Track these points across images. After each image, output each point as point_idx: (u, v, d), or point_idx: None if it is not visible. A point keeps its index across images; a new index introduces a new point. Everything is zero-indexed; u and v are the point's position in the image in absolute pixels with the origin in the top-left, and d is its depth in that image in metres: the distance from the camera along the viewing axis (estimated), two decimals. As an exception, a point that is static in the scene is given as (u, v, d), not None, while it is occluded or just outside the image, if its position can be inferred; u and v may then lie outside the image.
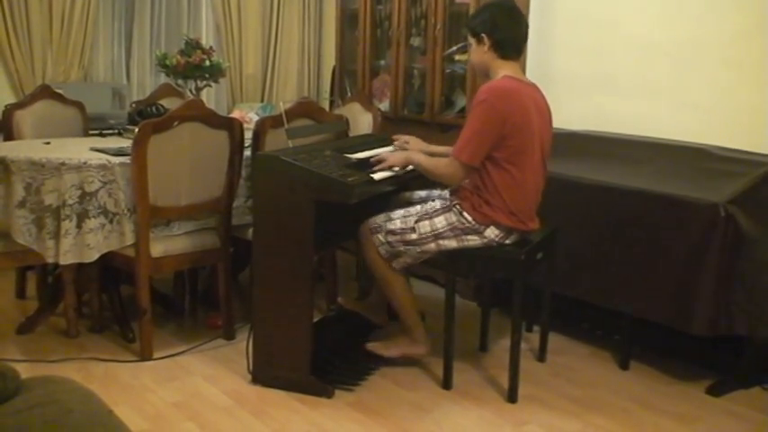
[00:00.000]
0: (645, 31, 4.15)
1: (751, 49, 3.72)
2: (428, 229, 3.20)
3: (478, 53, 3.25)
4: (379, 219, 3.30)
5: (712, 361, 3.54)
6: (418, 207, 3.29)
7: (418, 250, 3.25)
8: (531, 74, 4.50)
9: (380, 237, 3.27)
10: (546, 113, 3.28)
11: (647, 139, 3.96)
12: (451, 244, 3.21)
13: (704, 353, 3.55)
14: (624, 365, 3.60)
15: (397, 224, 3.25)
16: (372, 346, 3.46)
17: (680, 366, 3.61)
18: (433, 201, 3.32)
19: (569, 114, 4.32)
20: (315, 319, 3.29)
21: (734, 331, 3.23)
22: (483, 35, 3.19)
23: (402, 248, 3.25)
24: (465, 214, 3.17)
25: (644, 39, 4.15)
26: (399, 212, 3.30)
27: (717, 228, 3.14)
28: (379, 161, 3.32)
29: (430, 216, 3.22)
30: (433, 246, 3.23)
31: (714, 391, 3.37)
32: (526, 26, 3.28)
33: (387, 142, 3.75)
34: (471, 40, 3.28)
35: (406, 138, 3.75)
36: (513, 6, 3.27)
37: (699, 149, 3.70)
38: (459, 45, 4.53)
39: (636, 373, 3.56)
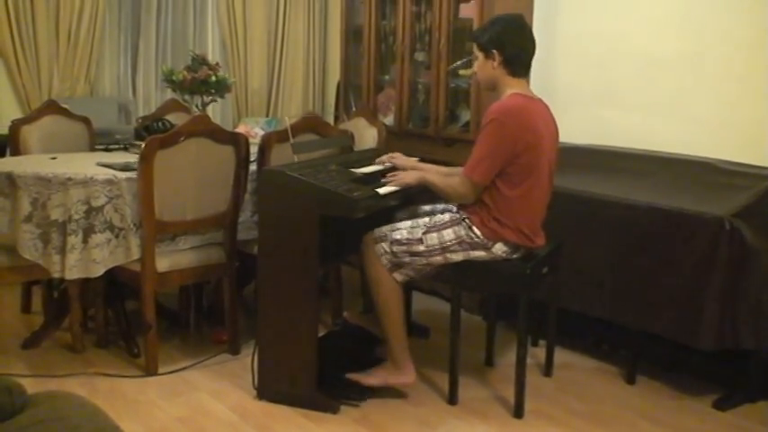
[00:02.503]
0: (648, 44, 4.15)
1: (755, 63, 3.73)
2: (436, 241, 3.19)
3: (487, 68, 3.22)
4: (384, 228, 3.29)
5: (719, 375, 3.52)
6: (426, 219, 3.28)
7: (424, 262, 3.24)
8: (535, 87, 4.46)
9: (385, 246, 3.24)
10: (554, 130, 3.28)
11: (651, 153, 3.96)
12: (458, 257, 3.20)
13: (710, 367, 3.54)
14: (630, 380, 3.59)
15: (403, 234, 3.23)
16: (353, 376, 3.35)
17: (686, 381, 3.59)
18: (442, 213, 3.31)
19: (573, 128, 4.31)
20: (320, 334, 3.28)
21: (740, 345, 3.22)
22: (494, 51, 3.17)
23: (407, 259, 3.24)
24: (474, 229, 3.15)
25: (647, 52, 4.16)
26: (407, 223, 3.28)
27: (722, 241, 3.14)
28: (394, 180, 3.29)
29: (438, 229, 3.21)
30: (440, 258, 3.22)
31: (721, 405, 3.36)
32: (534, 43, 3.25)
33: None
34: (479, 54, 3.24)
35: (392, 154, 3.69)
36: (524, 23, 3.23)
37: (703, 163, 3.70)
38: (463, 60, 4.53)
39: (642, 388, 3.55)
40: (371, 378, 3.34)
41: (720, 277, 3.16)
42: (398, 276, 3.29)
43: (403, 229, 3.25)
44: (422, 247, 3.20)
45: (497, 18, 3.31)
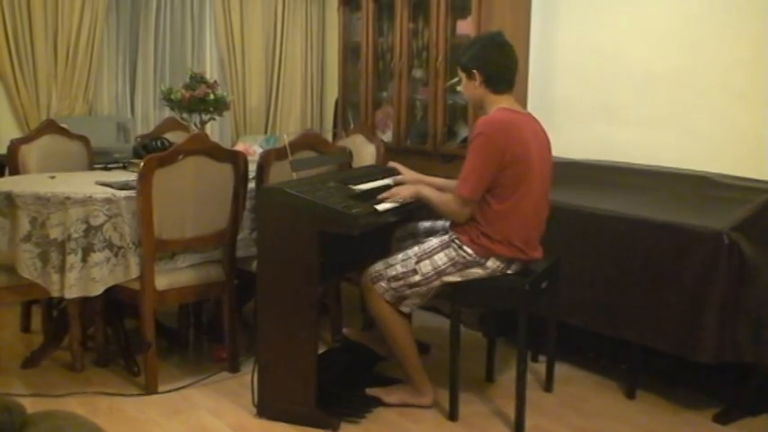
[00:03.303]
0: (646, 59, 4.17)
1: (753, 76, 3.74)
2: (430, 268, 3.19)
3: (470, 88, 3.26)
4: (378, 267, 3.29)
5: (719, 389, 3.52)
6: (416, 248, 3.27)
7: (424, 290, 3.24)
8: (532, 103, 4.54)
9: (383, 284, 3.25)
10: (544, 143, 3.29)
11: (649, 168, 3.97)
12: (455, 278, 3.20)
13: (711, 381, 3.54)
14: (631, 394, 3.58)
15: (398, 269, 3.23)
16: (374, 391, 3.42)
17: (687, 395, 3.59)
18: (431, 239, 3.30)
19: (570, 143, 4.33)
20: (320, 351, 3.28)
21: (740, 359, 3.21)
22: (474, 71, 3.20)
23: (408, 291, 3.25)
24: (465, 248, 3.16)
25: (645, 67, 4.18)
26: (398, 257, 3.28)
27: (721, 255, 3.14)
28: (389, 195, 3.30)
29: (429, 255, 3.21)
30: (437, 283, 3.22)
31: (721, 419, 3.35)
32: (516, 59, 3.27)
33: (391, 173, 3.76)
34: (462, 75, 3.29)
35: (397, 166, 3.74)
36: (503, 40, 3.25)
37: (701, 177, 3.71)
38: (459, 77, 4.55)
39: (643, 402, 3.54)
40: (391, 396, 3.40)
41: (720, 291, 3.16)
42: (405, 309, 3.30)
43: (396, 264, 3.25)
44: (418, 277, 3.21)
45: (476, 38, 3.37)
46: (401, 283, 3.23)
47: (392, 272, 3.24)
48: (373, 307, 3.31)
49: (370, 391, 3.42)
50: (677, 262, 3.29)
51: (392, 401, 3.39)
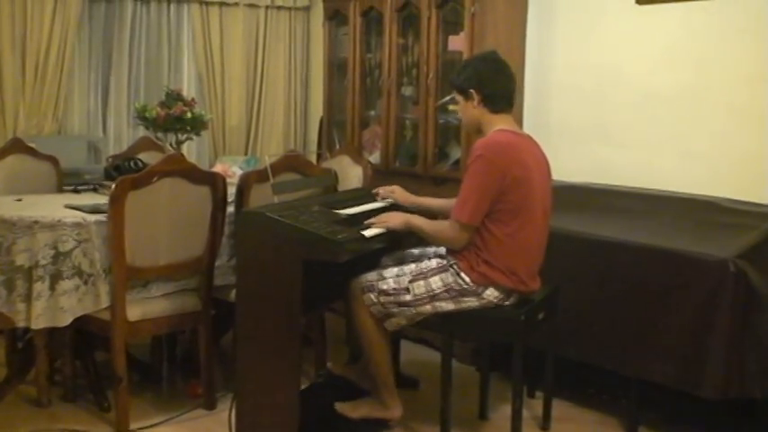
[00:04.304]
0: (646, 77, 4.21)
1: (757, 96, 3.78)
2: (423, 289, 3.21)
3: (468, 109, 3.30)
4: (370, 276, 3.31)
5: (725, 425, 3.52)
6: (412, 266, 3.30)
7: (413, 312, 3.25)
8: (528, 123, 4.57)
9: (372, 296, 3.27)
10: (544, 167, 3.32)
11: (650, 191, 4.00)
12: (448, 306, 3.21)
13: (716, 417, 3.54)
14: (633, 432, 3.59)
15: (390, 284, 3.26)
16: (341, 407, 3.46)
17: (690, 431, 3.60)
18: (429, 259, 3.33)
19: (568, 165, 4.35)
20: (302, 387, 3.27)
21: (747, 394, 3.23)
22: (471, 90, 3.25)
23: (395, 309, 3.26)
24: (462, 275, 3.18)
25: (645, 86, 4.21)
26: (393, 271, 3.31)
27: (726, 284, 3.16)
28: (377, 222, 3.32)
29: (425, 276, 3.23)
30: (428, 307, 3.23)
31: (728, 458, 3.36)
32: (513, 77, 3.33)
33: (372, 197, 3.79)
34: (459, 98, 3.34)
35: (391, 188, 3.79)
36: (498, 59, 3.32)
37: (705, 201, 3.74)
38: (452, 95, 4.56)
39: (645, 441, 3.55)
40: (358, 410, 3.45)
41: (725, 322, 3.17)
42: (389, 326, 3.32)
43: (389, 279, 3.27)
44: (409, 297, 3.22)
45: (471, 58, 3.46)
46: (391, 299, 3.24)
47: (383, 285, 3.26)
48: (357, 316, 3.35)
49: (338, 407, 3.45)
50: (680, 292, 3.30)
51: (360, 416, 3.43)
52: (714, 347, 3.19)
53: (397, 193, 3.75)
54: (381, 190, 3.81)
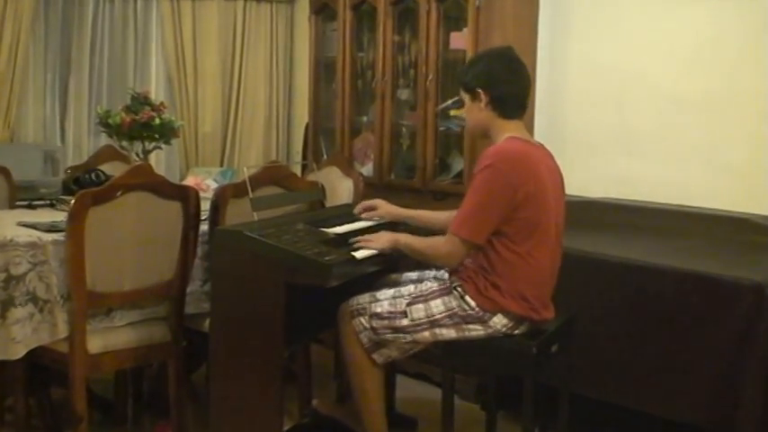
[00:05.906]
0: (672, 81, 4.24)
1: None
2: (422, 314, 3.20)
3: (474, 111, 3.27)
4: (363, 299, 3.31)
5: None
6: (411, 287, 3.30)
7: (409, 339, 3.24)
8: (541, 132, 4.58)
9: (363, 321, 3.26)
10: (559, 181, 3.31)
11: (677, 208, 4.01)
12: (450, 334, 3.21)
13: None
14: (656, 480, 3.60)
15: (384, 306, 3.25)
16: None
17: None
18: (431, 281, 3.33)
19: (586, 179, 4.36)
20: (285, 428, 3.27)
21: (787, 436, 3.24)
22: (479, 90, 3.22)
23: (389, 336, 3.25)
24: (468, 299, 3.17)
25: (671, 91, 4.23)
26: (388, 292, 3.30)
27: (763, 312, 3.17)
28: (363, 243, 3.31)
29: (425, 298, 3.22)
30: (427, 334, 3.22)
31: None
32: (529, 79, 3.31)
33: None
34: (465, 97, 3.30)
35: (372, 202, 3.78)
36: (514, 57, 3.28)
37: (739, 219, 3.75)
38: (455, 99, 4.58)
39: (671, 489, 3.55)
40: None
41: (762, 354, 3.18)
42: (378, 358, 3.30)
43: (384, 301, 3.26)
44: (406, 321, 3.22)
45: (482, 53, 3.39)
46: (385, 323, 3.23)
47: (377, 308, 3.25)
48: (345, 344, 3.33)
49: None
50: (711, 320, 3.31)
51: None
52: (749, 384, 3.19)
53: (381, 209, 3.74)
54: (361, 206, 3.80)
